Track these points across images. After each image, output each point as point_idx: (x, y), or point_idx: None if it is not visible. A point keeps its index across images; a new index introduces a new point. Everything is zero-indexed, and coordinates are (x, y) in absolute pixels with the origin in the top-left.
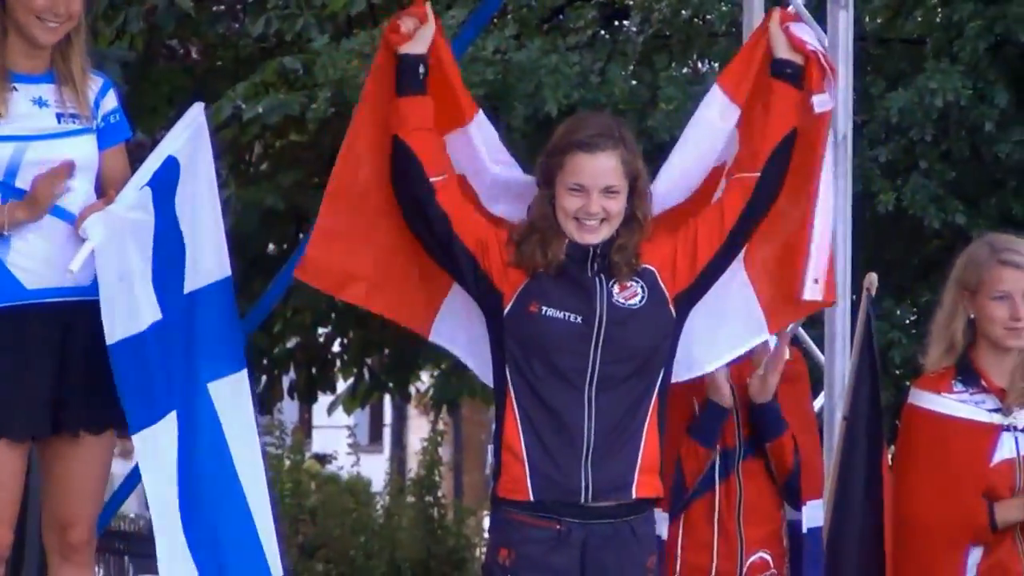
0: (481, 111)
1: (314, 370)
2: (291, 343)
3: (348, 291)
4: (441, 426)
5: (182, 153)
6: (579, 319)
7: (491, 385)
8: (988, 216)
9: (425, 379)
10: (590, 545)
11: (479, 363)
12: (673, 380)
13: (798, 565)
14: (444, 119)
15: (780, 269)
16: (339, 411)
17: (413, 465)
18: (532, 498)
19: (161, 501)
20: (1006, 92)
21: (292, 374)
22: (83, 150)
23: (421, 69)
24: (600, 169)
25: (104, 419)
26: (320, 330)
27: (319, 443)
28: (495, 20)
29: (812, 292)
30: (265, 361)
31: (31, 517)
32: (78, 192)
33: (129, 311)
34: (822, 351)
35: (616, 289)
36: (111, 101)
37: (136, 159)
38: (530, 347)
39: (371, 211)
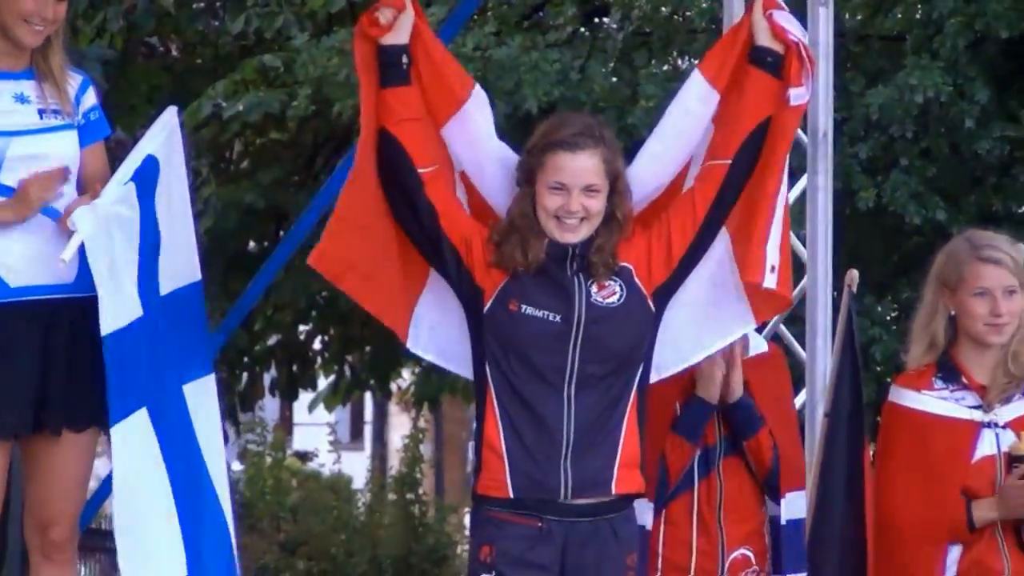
0: (477, 84)
1: (295, 367)
2: (272, 341)
3: (344, 281)
4: (422, 423)
5: (160, 153)
6: (558, 318)
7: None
8: (968, 213)
9: (406, 376)
10: (571, 543)
11: (460, 364)
12: (661, 375)
13: (778, 558)
14: (439, 104)
15: (765, 261)
16: (320, 408)
17: (394, 462)
18: (512, 495)
19: (130, 498)
20: (986, 88)
21: (273, 371)
22: (65, 146)
23: (404, 59)
24: (581, 168)
25: (86, 417)
26: (301, 328)
27: (300, 440)
28: (475, 17)
29: (770, 280)
30: (246, 359)
31: (13, 515)
32: (61, 189)
33: (117, 304)
34: (803, 348)
35: (595, 288)
36: (91, 98)
37: (116, 157)
38: (509, 345)
39: (371, 204)
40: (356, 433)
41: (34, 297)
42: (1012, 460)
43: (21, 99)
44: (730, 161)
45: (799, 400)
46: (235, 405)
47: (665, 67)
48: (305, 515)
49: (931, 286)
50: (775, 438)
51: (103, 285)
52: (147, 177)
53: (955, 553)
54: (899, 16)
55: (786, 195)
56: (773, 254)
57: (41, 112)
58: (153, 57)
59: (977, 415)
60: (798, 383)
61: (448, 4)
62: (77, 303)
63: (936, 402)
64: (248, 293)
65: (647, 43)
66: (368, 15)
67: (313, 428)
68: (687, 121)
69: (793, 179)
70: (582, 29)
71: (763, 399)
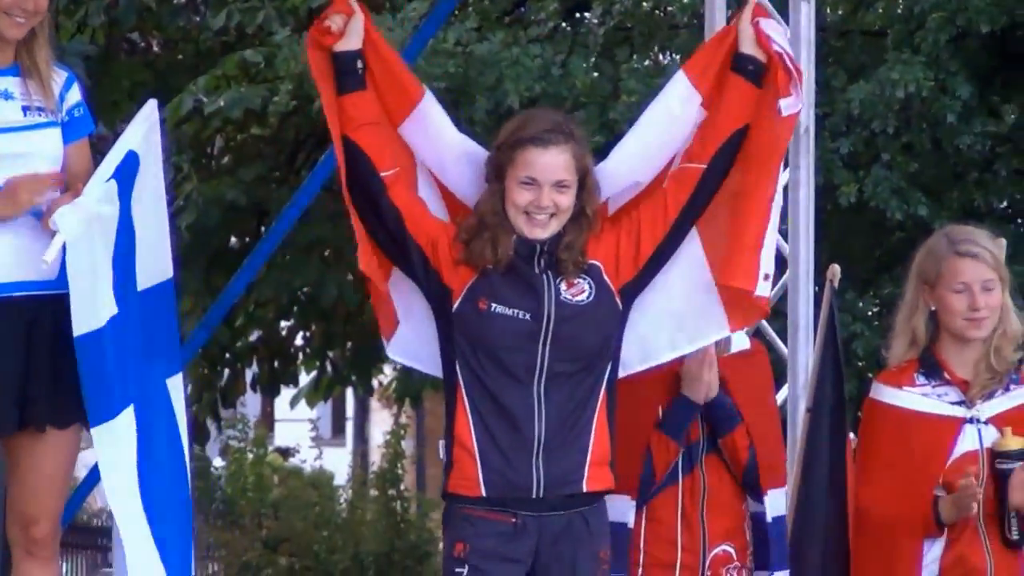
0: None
1: (276, 363)
2: (253, 337)
3: (370, 270)
4: (404, 420)
5: (140, 148)
6: (528, 316)
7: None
8: (950, 208)
9: (388, 372)
10: (544, 538)
11: (428, 363)
12: (627, 371)
13: (764, 555)
14: (395, 106)
15: (743, 268)
16: (302, 404)
17: (376, 459)
18: (484, 494)
19: (121, 494)
20: (968, 84)
21: (255, 367)
22: (49, 143)
23: (359, 64)
24: (552, 164)
25: (70, 414)
26: (282, 324)
27: (282, 437)
28: (456, 12)
29: (763, 288)
30: (227, 355)
31: None
32: None
33: (92, 305)
34: (785, 343)
35: (564, 286)
36: (75, 95)
37: (98, 152)
38: (479, 344)
39: None
40: (338, 429)
41: (17, 294)
42: (995, 456)
43: (5, 96)
44: (705, 165)
45: (781, 396)
46: (216, 401)
47: (647, 62)
48: (287, 512)
49: (911, 282)
50: (753, 436)
51: (80, 286)
52: (128, 173)
53: (938, 549)
54: (880, 11)
55: (780, 203)
56: (768, 263)
57: (25, 109)
58: (134, 53)
59: (959, 411)
60: (780, 379)
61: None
62: (61, 299)
63: (917, 398)
64: (230, 289)
65: (629, 38)
66: (318, 24)
67: (295, 424)
68: (667, 120)
69: None
70: (563, 24)
71: (745, 397)
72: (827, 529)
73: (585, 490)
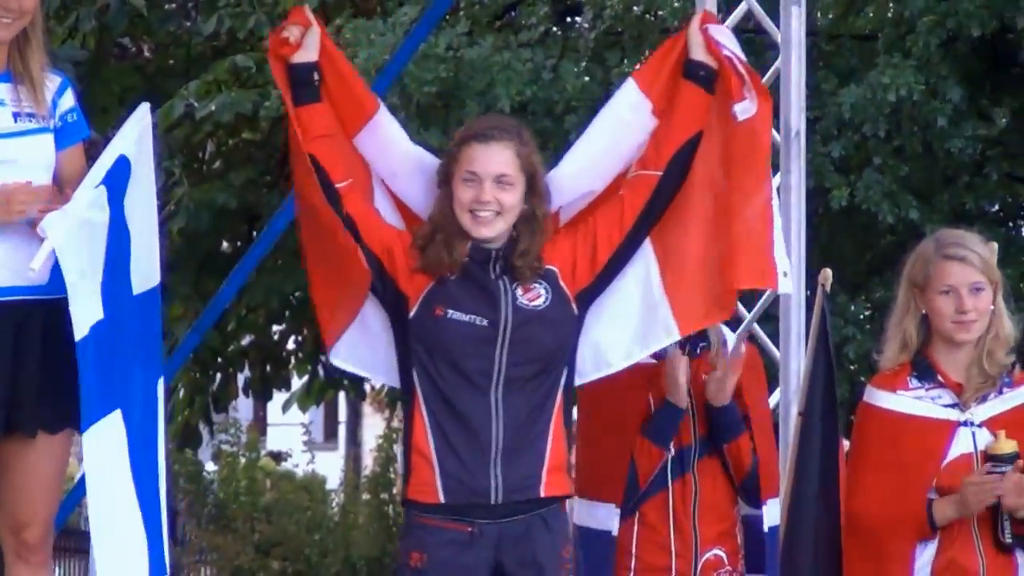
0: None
1: (268, 368)
2: (245, 341)
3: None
4: (396, 423)
5: (132, 153)
6: (484, 322)
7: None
8: (941, 211)
9: None
10: (505, 542)
11: (384, 373)
12: (581, 379)
13: (759, 563)
14: (350, 118)
15: (700, 273)
16: (294, 409)
17: (368, 463)
18: (442, 500)
19: (103, 498)
20: (958, 87)
21: (247, 372)
22: (40, 149)
23: (315, 76)
24: (493, 158)
25: (61, 418)
26: (274, 328)
27: (274, 441)
28: (447, 17)
29: (785, 285)
30: (219, 359)
31: None
32: None
33: (84, 309)
34: (777, 347)
35: (520, 291)
36: (68, 100)
37: (89, 157)
38: (436, 350)
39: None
40: (330, 433)
41: (7, 298)
42: (989, 459)
43: None
44: (661, 172)
45: (773, 400)
46: (209, 405)
47: (637, 66)
48: (279, 516)
49: (903, 286)
50: (755, 442)
51: (73, 291)
52: (118, 179)
53: (930, 552)
54: (871, 15)
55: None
56: (783, 260)
57: (16, 115)
58: (125, 58)
59: (953, 414)
60: (772, 382)
61: (420, 4)
62: (51, 304)
63: (911, 402)
64: (221, 293)
65: (619, 42)
66: (276, 35)
67: (287, 428)
68: (617, 127)
69: None
70: (554, 29)
71: (751, 402)
72: (818, 533)
73: (542, 495)
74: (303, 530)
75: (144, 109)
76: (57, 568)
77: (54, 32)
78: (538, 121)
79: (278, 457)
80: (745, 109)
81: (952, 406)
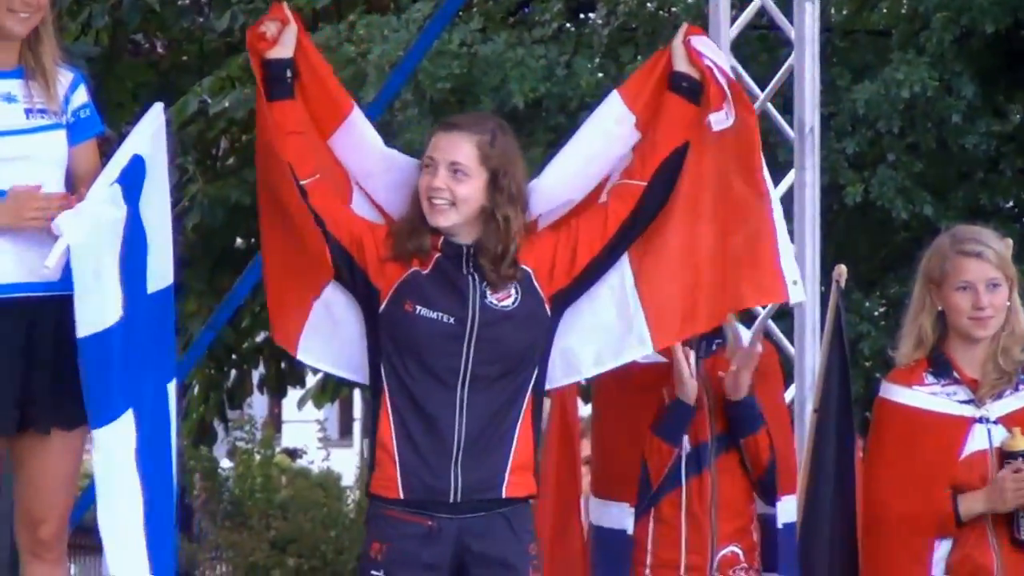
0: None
1: (283, 364)
2: (260, 337)
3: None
4: None
5: (147, 152)
6: (452, 320)
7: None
8: (956, 207)
9: None
10: (466, 537)
11: (354, 369)
12: (551, 385)
13: (773, 560)
14: (324, 116)
15: (679, 286)
16: (309, 405)
17: None
18: (402, 496)
19: (112, 498)
20: (972, 83)
21: (262, 368)
22: (52, 146)
23: (288, 73)
24: (451, 145)
25: (76, 415)
26: None
27: (289, 438)
28: (461, 13)
29: (797, 294)
30: (234, 356)
31: (3, 515)
32: (48, 188)
33: (97, 307)
34: (792, 344)
35: (490, 290)
36: (81, 96)
37: (103, 153)
38: (404, 346)
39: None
40: (345, 430)
41: (19, 295)
42: (1005, 456)
43: (8, 99)
44: (646, 183)
45: (788, 396)
46: (223, 402)
47: None
48: (295, 512)
49: (919, 282)
50: (773, 438)
51: (84, 289)
52: (134, 177)
53: (945, 548)
54: (885, 11)
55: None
56: (791, 269)
57: (28, 112)
58: (139, 54)
59: (968, 410)
60: (787, 379)
61: (434, 0)
62: (63, 302)
63: (927, 397)
64: (236, 290)
65: (633, 38)
66: (254, 29)
67: (302, 425)
68: (601, 139)
69: (780, 174)
70: (568, 25)
71: (768, 399)
72: (835, 529)
73: (504, 496)
74: (318, 527)
75: (158, 108)
76: (73, 565)
77: (67, 28)
78: (552, 117)
79: (293, 454)
80: (719, 120)
81: (968, 402)
